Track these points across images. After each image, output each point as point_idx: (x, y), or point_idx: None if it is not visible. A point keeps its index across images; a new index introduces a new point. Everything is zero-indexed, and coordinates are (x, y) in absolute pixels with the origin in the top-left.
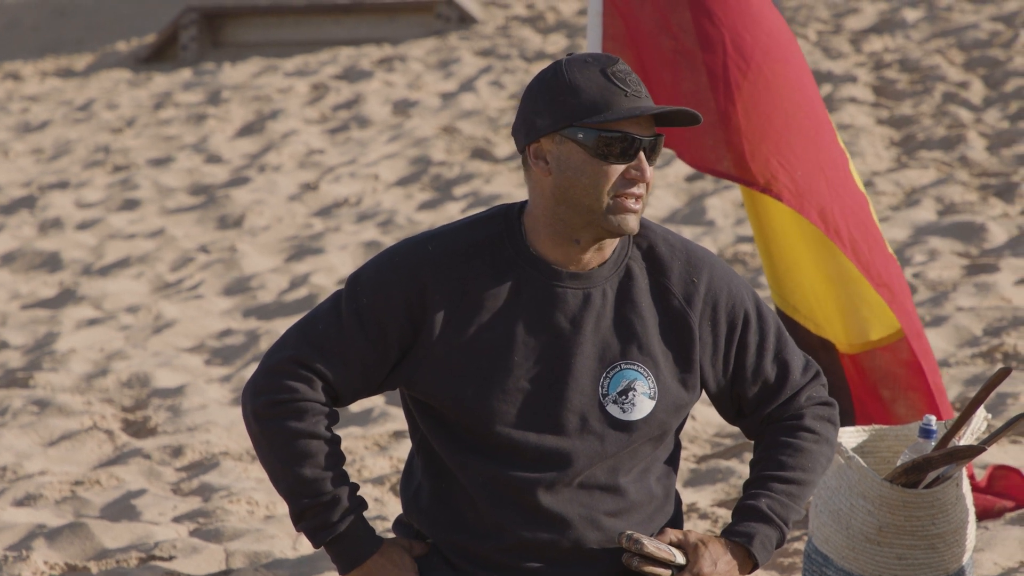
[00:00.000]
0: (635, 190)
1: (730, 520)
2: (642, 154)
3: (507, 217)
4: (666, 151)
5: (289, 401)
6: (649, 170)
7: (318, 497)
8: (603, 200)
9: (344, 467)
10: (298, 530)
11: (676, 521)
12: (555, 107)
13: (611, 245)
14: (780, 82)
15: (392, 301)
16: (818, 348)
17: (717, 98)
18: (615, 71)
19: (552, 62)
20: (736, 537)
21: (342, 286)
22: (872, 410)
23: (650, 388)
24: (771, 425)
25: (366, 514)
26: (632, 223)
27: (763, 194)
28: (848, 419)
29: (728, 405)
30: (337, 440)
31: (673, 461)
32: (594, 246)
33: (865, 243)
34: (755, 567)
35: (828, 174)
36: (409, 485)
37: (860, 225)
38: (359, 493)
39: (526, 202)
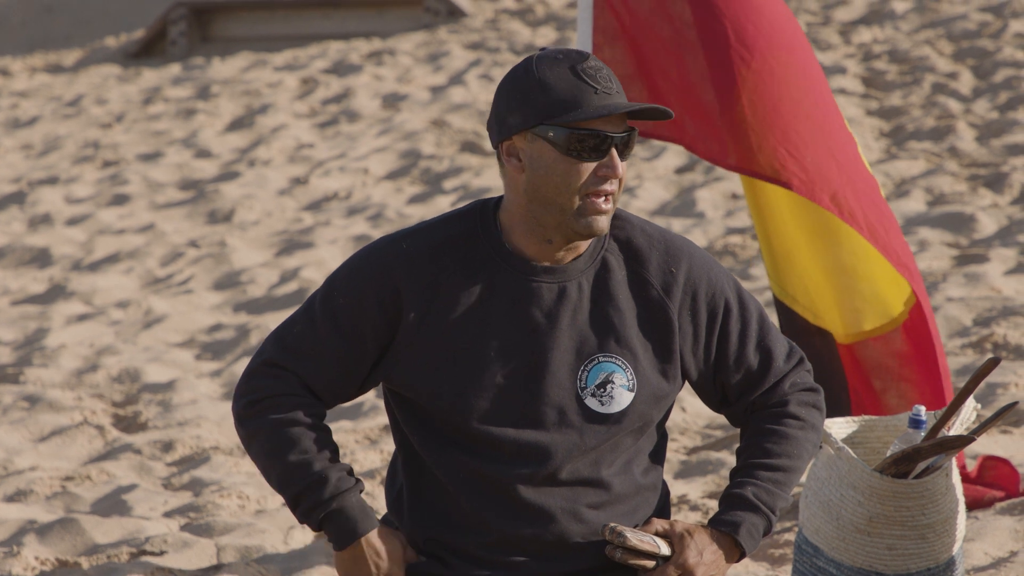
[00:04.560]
0: (607, 187)
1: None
2: (613, 151)
3: (483, 213)
4: (657, 144)
5: (267, 398)
6: (620, 166)
7: (306, 479)
8: (574, 199)
9: (334, 452)
10: (299, 520)
11: (663, 511)
12: (526, 105)
13: (586, 242)
14: (785, 70)
15: (366, 301)
16: (816, 338)
17: (720, 90)
18: (585, 67)
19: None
20: (722, 526)
21: None
22: (866, 400)
23: (628, 380)
24: (756, 413)
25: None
26: (601, 224)
27: (764, 185)
28: (844, 409)
29: (711, 393)
30: (322, 427)
31: (659, 452)
32: (567, 245)
33: (881, 225)
34: (742, 556)
35: (839, 158)
36: (393, 485)
37: (874, 207)
38: (354, 474)
39: (503, 197)
